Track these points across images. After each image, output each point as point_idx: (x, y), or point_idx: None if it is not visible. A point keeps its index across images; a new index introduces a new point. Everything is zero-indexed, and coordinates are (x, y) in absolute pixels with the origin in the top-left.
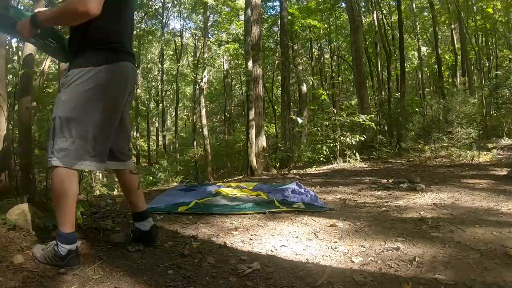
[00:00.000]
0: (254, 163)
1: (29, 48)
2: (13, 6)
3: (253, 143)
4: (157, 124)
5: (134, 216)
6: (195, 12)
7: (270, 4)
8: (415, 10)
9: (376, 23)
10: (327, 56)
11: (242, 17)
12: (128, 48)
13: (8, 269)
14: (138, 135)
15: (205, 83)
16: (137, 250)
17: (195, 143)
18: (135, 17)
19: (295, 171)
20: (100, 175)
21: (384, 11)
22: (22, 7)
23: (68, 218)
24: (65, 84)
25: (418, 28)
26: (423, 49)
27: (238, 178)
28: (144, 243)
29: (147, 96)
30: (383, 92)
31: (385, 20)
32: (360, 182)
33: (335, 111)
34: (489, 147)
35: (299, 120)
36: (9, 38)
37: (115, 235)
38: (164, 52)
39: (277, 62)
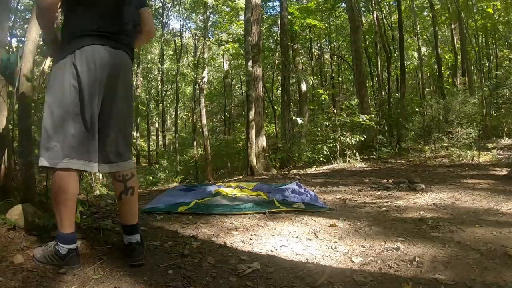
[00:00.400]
0: (254, 163)
1: (29, 48)
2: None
3: (253, 143)
4: (157, 124)
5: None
6: (195, 12)
7: (270, 4)
8: (415, 10)
9: (376, 23)
10: (327, 56)
11: (242, 17)
12: (103, 29)
13: (8, 269)
14: (138, 135)
15: (204, 83)
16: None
17: (195, 143)
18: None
19: (295, 171)
20: (100, 175)
21: (384, 11)
22: (21, 7)
23: (67, 219)
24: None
25: (418, 28)
26: (423, 49)
27: (238, 178)
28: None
29: (147, 96)
30: (383, 92)
31: (385, 20)
32: (360, 182)
33: (335, 111)
34: (489, 147)
35: (299, 121)
36: (8, 38)
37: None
38: (164, 52)
39: (277, 62)
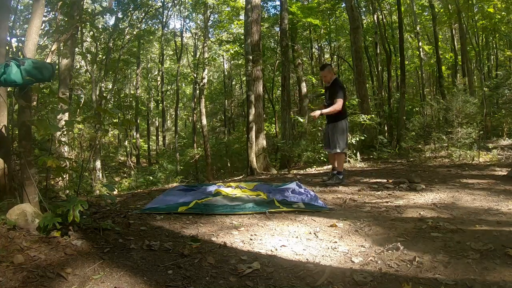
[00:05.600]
0: (254, 163)
1: (29, 48)
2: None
3: (253, 143)
4: (157, 124)
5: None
6: (196, 12)
7: (270, 3)
8: (414, 9)
9: (376, 23)
10: (327, 56)
11: (242, 17)
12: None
13: (8, 269)
14: (138, 135)
15: (204, 84)
16: (138, 249)
17: (195, 144)
18: (134, 17)
19: (295, 171)
20: (101, 175)
21: (385, 11)
22: (21, 7)
23: (342, 167)
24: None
25: (418, 28)
26: (426, 47)
27: (238, 178)
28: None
29: (147, 96)
30: (383, 92)
31: (385, 20)
32: (360, 182)
33: None
34: (489, 147)
35: (300, 119)
36: (8, 38)
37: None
38: (164, 52)
39: (277, 62)
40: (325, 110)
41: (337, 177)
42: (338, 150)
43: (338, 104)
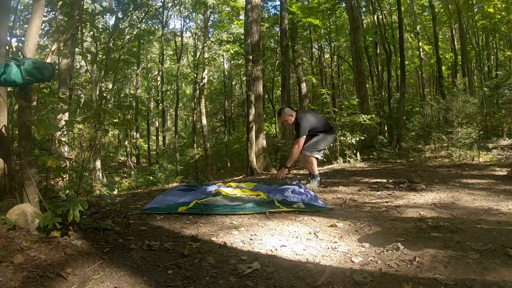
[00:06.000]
0: (254, 163)
1: (29, 48)
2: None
3: (253, 143)
4: (157, 124)
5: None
6: (196, 12)
7: (270, 3)
8: (414, 9)
9: (376, 23)
10: (327, 56)
11: (242, 17)
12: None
13: (8, 269)
14: (138, 135)
15: (204, 84)
16: (138, 249)
17: (195, 144)
18: (134, 17)
19: (295, 171)
20: (101, 175)
21: (385, 11)
22: (21, 7)
23: (315, 169)
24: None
25: (418, 28)
26: (426, 48)
27: (238, 178)
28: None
29: (147, 96)
30: (383, 92)
31: (385, 20)
32: (360, 182)
33: (336, 110)
34: (489, 147)
35: None
36: (8, 38)
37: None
38: (164, 52)
39: (277, 62)
40: (288, 162)
41: (313, 181)
42: (305, 152)
43: (298, 145)
